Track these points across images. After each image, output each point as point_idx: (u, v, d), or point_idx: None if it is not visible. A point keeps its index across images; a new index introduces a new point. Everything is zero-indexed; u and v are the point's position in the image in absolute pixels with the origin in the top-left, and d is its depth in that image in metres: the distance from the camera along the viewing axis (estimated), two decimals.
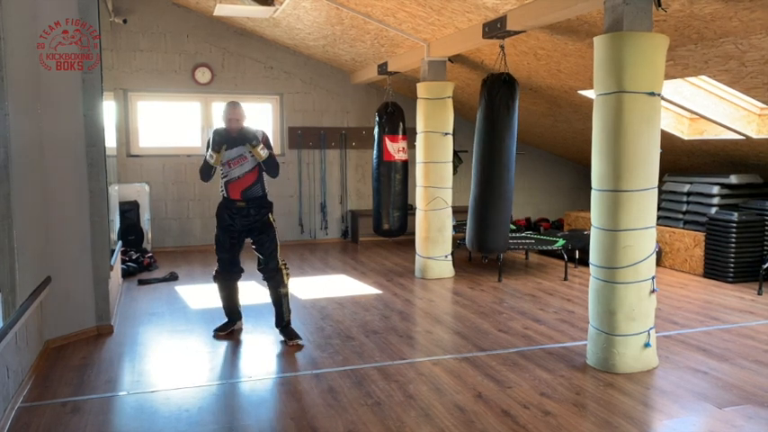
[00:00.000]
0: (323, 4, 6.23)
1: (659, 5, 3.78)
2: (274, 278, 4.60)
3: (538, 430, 3.18)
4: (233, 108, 4.45)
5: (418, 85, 6.67)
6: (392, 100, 7.57)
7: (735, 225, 6.38)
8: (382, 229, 7.48)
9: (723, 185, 6.83)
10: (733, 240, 6.40)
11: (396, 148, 7.35)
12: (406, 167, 7.44)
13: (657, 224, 4.23)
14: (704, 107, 5.92)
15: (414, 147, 6.91)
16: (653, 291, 3.94)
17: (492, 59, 6.12)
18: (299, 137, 9.06)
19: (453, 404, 3.50)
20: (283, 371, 4.13)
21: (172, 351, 4.52)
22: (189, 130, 8.73)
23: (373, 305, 5.70)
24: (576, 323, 5.07)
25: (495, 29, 5.09)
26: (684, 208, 7.18)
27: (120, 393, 3.72)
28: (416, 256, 6.93)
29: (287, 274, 4.64)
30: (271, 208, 4.63)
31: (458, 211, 7.28)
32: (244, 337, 4.81)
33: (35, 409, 3.48)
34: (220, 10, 6.94)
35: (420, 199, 6.77)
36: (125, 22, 7.98)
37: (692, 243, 6.97)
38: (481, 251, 5.95)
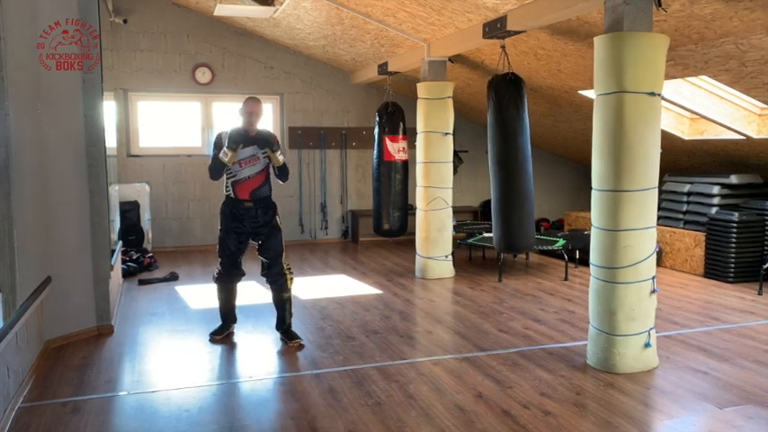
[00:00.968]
0: (323, 4, 6.23)
1: (659, 5, 3.77)
2: (278, 282, 4.58)
3: (538, 430, 3.18)
4: (253, 102, 4.42)
5: (418, 85, 6.67)
6: (392, 100, 7.57)
7: (735, 225, 6.38)
8: (382, 229, 7.48)
9: (723, 185, 6.83)
10: (733, 240, 6.40)
11: (396, 148, 7.36)
12: (407, 167, 7.44)
13: (658, 224, 4.23)
14: (704, 107, 5.92)
15: (414, 147, 6.91)
16: (653, 291, 3.94)
17: (492, 59, 6.12)
18: (300, 137, 9.06)
19: (453, 404, 3.50)
20: (283, 371, 4.13)
21: (172, 351, 4.52)
22: (189, 130, 8.74)
23: (373, 305, 5.70)
24: (576, 323, 5.07)
25: (496, 29, 5.09)
26: (685, 208, 7.18)
27: (121, 393, 3.72)
28: (417, 256, 6.93)
29: (291, 279, 4.62)
30: (276, 209, 4.63)
31: (458, 212, 7.28)
32: (244, 337, 4.80)
33: (35, 409, 3.48)
34: (220, 10, 6.94)
35: (420, 199, 6.77)
36: (125, 22, 7.98)
37: (692, 243, 6.97)
38: (510, 251, 5.99)
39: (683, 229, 7.15)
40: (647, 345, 3.96)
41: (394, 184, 7.35)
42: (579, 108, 7.09)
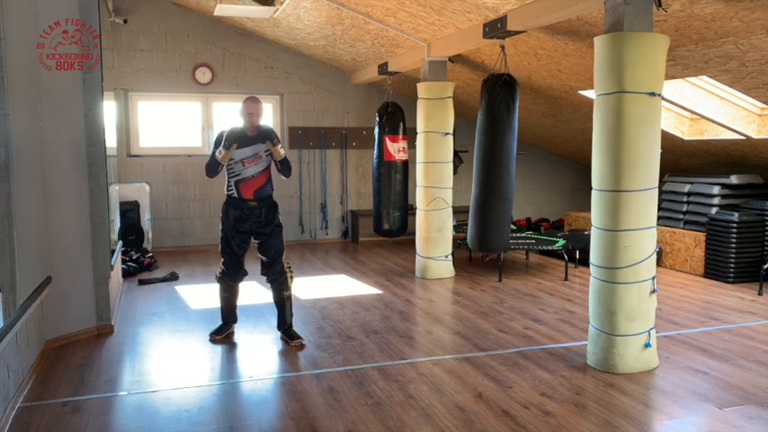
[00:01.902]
0: (323, 4, 6.23)
1: (660, 6, 3.78)
2: (278, 281, 4.59)
3: (538, 430, 3.18)
4: (253, 102, 4.42)
5: (418, 85, 6.67)
6: (392, 100, 7.57)
7: (735, 225, 6.38)
8: (382, 229, 7.48)
9: (723, 186, 6.83)
10: (733, 241, 6.40)
11: (396, 148, 7.36)
12: (407, 167, 7.44)
13: (658, 224, 4.24)
14: (705, 107, 5.92)
15: (414, 147, 6.91)
16: (653, 291, 3.94)
17: (492, 59, 6.12)
18: (300, 137, 9.06)
19: (453, 404, 3.50)
20: (284, 371, 4.13)
21: (172, 351, 4.52)
22: (189, 130, 8.73)
23: (373, 305, 5.70)
24: (576, 323, 5.07)
25: (496, 29, 5.09)
26: (685, 208, 7.17)
27: (121, 393, 3.72)
28: (417, 256, 6.93)
29: (291, 277, 4.64)
30: (278, 208, 4.64)
31: (458, 211, 7.28)
32: (244, 337, 4.80)
33: (35, 408, 3.48)
34: (221, 10, 6.94)
35: (420, 199, 6.77)
36: (125, 22, 7.98)
37: (692, 243, 6.97)
38: (482, 250, 6.00)
39: (683, 229, 7.15)
40: (647, 345, 3.96)
41: (394, 184, 7.35)
42: (579, 108, 7.09)
